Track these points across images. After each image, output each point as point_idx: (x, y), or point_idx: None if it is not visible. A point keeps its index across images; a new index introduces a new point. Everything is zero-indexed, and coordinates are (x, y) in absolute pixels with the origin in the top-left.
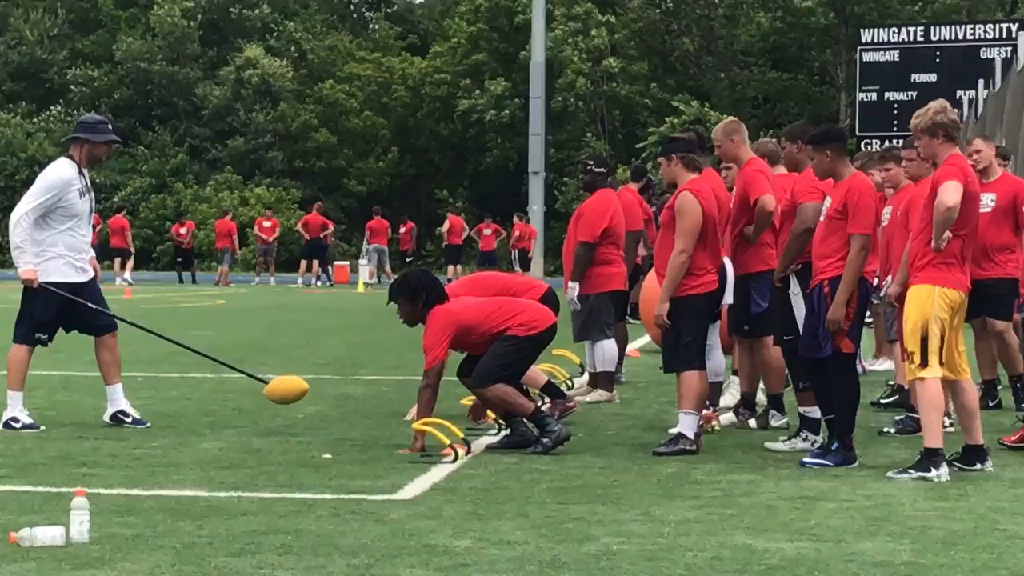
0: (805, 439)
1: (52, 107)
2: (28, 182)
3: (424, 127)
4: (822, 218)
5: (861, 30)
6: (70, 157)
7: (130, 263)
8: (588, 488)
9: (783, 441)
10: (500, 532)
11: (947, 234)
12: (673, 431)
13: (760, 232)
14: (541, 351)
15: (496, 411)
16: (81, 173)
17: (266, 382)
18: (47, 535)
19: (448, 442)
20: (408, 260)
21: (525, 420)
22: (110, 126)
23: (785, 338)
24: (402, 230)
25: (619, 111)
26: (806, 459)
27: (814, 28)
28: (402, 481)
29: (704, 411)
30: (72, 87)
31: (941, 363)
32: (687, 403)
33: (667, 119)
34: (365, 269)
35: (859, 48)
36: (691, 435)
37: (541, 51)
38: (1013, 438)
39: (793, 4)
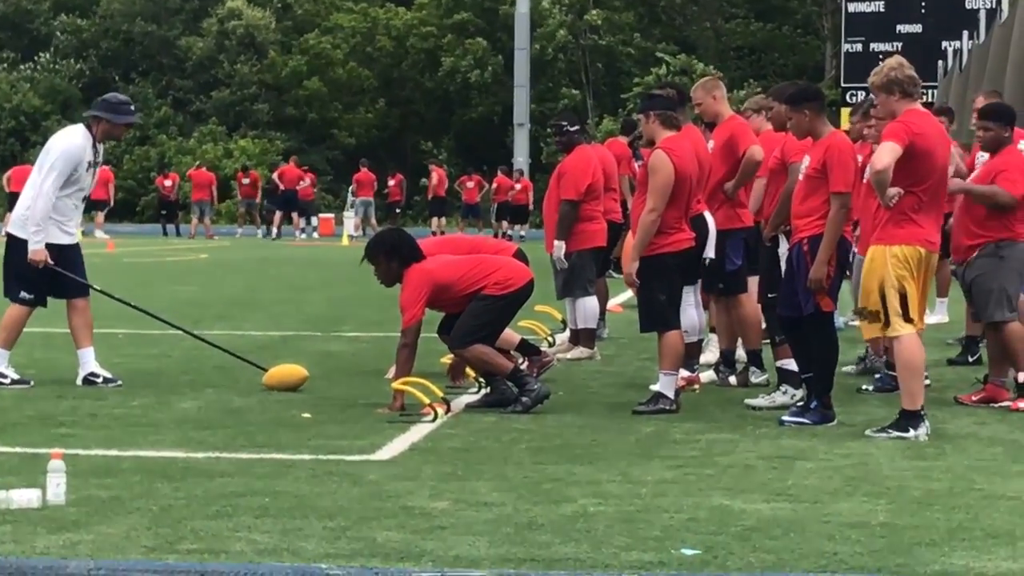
0: (784, 392)
1: (38, 56)
2: (13, 132)
3: (409, 78)
4: (800, 177)
5: None
6: (88, 128)
7: (101, 216)
8: (567, 448)
9: (763, 397)
10: (477, 493)
11: (894, 191)
12: (654, 388)
13: (741, 185)
14: (518, 309)
15: (476, 370)
16: (95, 147)
17: (264, 369)
18: (23, 497)
19: (428, 401)
20: (397, 212)
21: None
22: (132, 107)
23: (768, 296)
24: (391, 183)
25: (602, 63)
26: (785, 417)
27: None
28: (381, 441)
29: (688, 373)
30: (58, 34)
31: (908, 319)
32: (666, 363)
33: (652, 69)
34: (351, 222)
35: None
36: (671, 394)
37: (526, 1)
38: (974, 398)
39: None
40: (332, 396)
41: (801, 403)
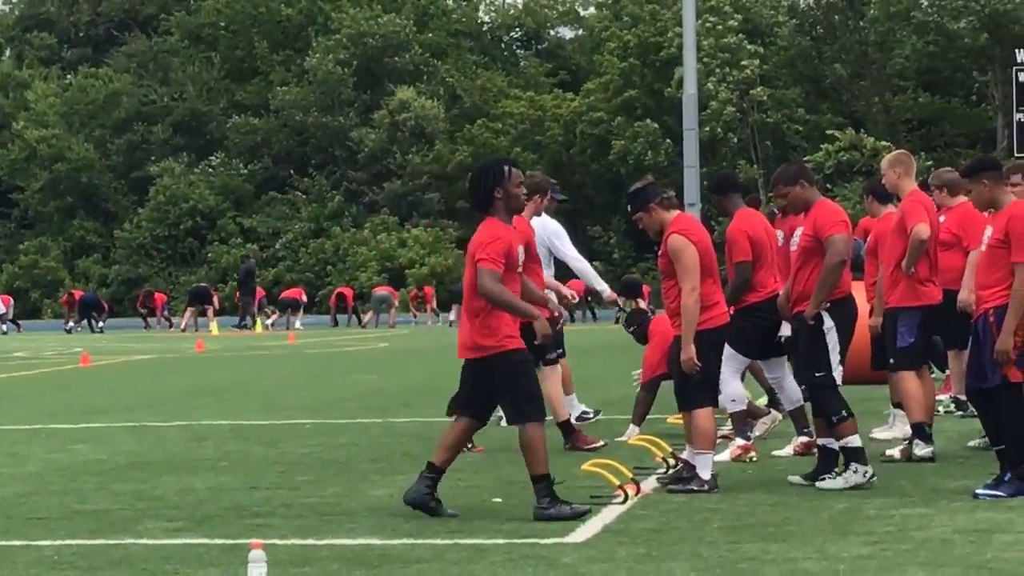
0: (855, 471)
1: (212, 156)
2: (191, 231)
3: (579, 164)
4: (983, 248)
5: (1016, 50)
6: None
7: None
8: (759, 526)
9: (836, 477)
10: (673, 574)
11: None
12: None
13: (913, 262)
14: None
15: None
16: None
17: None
18: None
19: (617, 483)
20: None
21: None
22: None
23: (817, 375)
24: None
25: (770, 140)
26: (978, 490)
27: (968, 49)
28: (573, 524)
29: (744, 442)
30: (228, 136)
31: None
32: (699, 442)
33: (822, 146)
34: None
35: (1015, 68)
36: (706, 475)
37: (693, 83)
38: None
39: (946, 27)
40: (520, 479)
41: (995, 477)
